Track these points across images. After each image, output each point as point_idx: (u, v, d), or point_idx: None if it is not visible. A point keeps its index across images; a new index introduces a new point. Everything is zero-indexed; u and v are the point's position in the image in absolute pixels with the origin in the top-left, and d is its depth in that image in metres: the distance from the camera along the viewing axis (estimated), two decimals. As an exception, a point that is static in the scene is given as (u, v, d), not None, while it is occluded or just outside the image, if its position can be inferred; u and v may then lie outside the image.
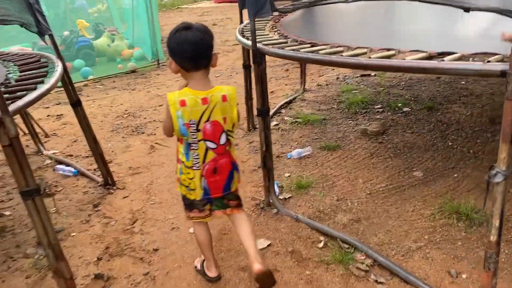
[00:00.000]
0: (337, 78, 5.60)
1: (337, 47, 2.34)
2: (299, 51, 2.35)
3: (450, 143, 3.44)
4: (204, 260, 2.25)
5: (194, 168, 1.89)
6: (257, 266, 1.85)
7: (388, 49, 2.08)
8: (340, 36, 3.14)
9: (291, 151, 3.59)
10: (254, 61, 2.60)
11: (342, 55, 2.11)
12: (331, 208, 2.77)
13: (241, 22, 3.92)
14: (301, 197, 2.93)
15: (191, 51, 1.76)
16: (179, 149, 1.91)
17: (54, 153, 4.21)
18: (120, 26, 11.20)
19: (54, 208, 3.15)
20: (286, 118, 4.43)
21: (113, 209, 3.08)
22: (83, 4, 14.42)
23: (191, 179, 1.91)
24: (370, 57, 1.97)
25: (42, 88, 2.15)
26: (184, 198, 2.03)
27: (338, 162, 3.37)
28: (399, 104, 4.32)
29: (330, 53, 2.19)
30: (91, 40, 8.41)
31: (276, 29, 3.40)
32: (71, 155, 4.13)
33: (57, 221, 2.98)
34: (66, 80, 3.02)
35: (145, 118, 4.92)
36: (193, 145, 1.84)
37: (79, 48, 8.08)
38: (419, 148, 3.43)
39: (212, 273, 2.20)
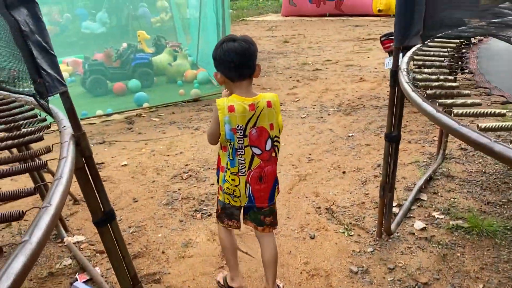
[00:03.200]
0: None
1: None
2: None
3: None
4: (227, 275, 2.16)
5: (240, 174, 1.84)
6: None
7: None
8: None
9: (482, 312, 1.90)
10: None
11: None
12: None
13: (396, 57, 2.22)
14: None
15: (237, 60, 1.75)
16: (223, 157, 1.88)
17: (78, 243, 2.75)
18: (183, 40, 9.88)
19: None
20: (436, 215, 2.72)
21: None
22: (145, 12, 13.36)
23: (236, 186, 1.87)
24: None
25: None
26: (224, 207, 1.96)
27: None
28: None
29: None
30: (150, 57, 7.07)
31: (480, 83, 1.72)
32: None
33: None
34: (90, 183, 1.51)
35: (213, 184, 3.37)
36: (239, 150, 1.81)
37: (136, 66, 6.75)
38: None
39: (236, 284, 2.10)
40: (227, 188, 1.89)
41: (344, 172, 3.42)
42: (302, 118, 4.80)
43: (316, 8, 15.39)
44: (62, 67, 8.41)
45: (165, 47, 7.89)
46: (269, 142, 1.84)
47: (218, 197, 2.01)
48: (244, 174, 1.85)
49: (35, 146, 2.62)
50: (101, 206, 1.59)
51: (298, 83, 6.42)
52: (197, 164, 3.75)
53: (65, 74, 7.97)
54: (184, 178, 3.51)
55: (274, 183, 1.92)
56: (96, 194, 1.57)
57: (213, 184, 3.36)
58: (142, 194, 3.31)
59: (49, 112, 1.42)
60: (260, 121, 1.79)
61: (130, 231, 2.82)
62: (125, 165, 3.86)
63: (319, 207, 2.93)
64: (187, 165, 3.76)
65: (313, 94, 5.74)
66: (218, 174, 1.97)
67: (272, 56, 8.79)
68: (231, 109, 1.75)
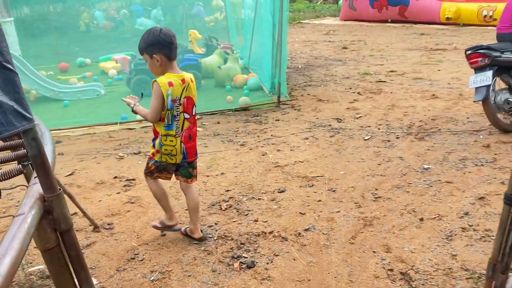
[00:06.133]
0: None
1: None
2: None
3: None
4: (161, 218, 2.59)
5: (177, 136, 2.34)
6: (196, 235, 2.54)
7: None
8: None
9: None
10: None
11: None
12: None
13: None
14: None
15: (175, 42, 2.28)
16: (159, 127, 2.33)
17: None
18: (236, 41, 9.38)
19: None
20: (559, 302, 1.97)
21: None
22: (200, 11, 13.03)
23: (174, 146, 2.35)
24: None
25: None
26: (160, 165, 2.42)
27: None
28: None
29: None
30: (199, 58, 6.59)
31: None
32: (115, 303, 2.11)
33: None
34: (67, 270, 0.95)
35: (257, 220, 2.78)
36: (177, 116, 2.31)
37: (184, 68, 6.27)
38: None
39: (174, 221, 2.56)
40: (165, 149, 2.35)
41: (421, 220, 2.71)
42: (365, 140, 4.10)
43: (378, 13, 14.44)
44: (110, 64, 8.15)
45: (216, 48, 7.41)
46: (194, 108, 2.39)
47: (152, 158, 2.41)
48: (179, 135, 2.34)
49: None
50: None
51: (360, 96, 5.70)
52: (240, 191, 3.17)
53: (112, 72, 7.68)
54: (223, 209, 2.93)
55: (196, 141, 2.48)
56: (77, 286, 1.00)
57: (257, 221, 2.76)
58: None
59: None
60: (188, 92, 2.33)
61: (151, 278, 2.27)
62: (158, 184, 3.34)
63: (391, 269, 2.25)
64: (228, 190, 3.19)
65: (377, 111, 5.00)
66: (154, 142, 2.39)
67: (329, 63, 8.09)
68: (170, 84, 2.25)
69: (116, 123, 4.93)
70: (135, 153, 4.00)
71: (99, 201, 3.12)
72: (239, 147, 4.06)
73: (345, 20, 15.53)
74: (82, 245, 2.58)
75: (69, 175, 3.57)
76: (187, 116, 2.35)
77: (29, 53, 8.36)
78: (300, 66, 7.99)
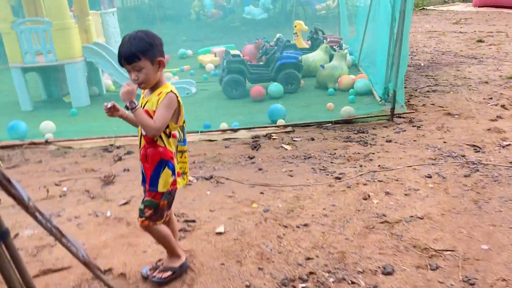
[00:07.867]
0: None
1: None
2: None
3: None
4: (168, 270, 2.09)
5: (188, 151, 2.08)
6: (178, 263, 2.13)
7: None
8: None
9: None
10: None
11: None
12: None
13: None
14: None
15: None
16: (172, 145, 1.94)
17: None
18: (347, 32, 8.18)
19: None
20: None
21: None
22: (311, -2, 12.00)
23: (184, 162, 2.05)
24: None
25: None
26: (171, 196, 2.00)
27: None
28: None
29: None
30: (300, 56, 5.62)
31: None
32: None
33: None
34: None
35: (345, 325, 1.80)
36: (184, 129, 2.02)
37: (281, 67, 5.39)
38: None
39: (184, 256, 2.15)
40: (180, 168, 2.02)
41: None
42: (519, 187, 2.80)
43: (524, -3, 11.93)
44: (208, 57, 7.58)
45: (321, 43, 6.37)
46: None
47: (167, 191, 1.95)
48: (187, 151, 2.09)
49: None
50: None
51: (505, 110, 4.25)
52: (326, 263, 2.19)
53: (210, 66, 7.10)
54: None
55: None
56: None
57: (344, 330, 1.78)
58: (223, 313, 1.91)
59: None
60: None
61: None
62: (220, 233, 2.52)
63: None
64: (309, 258, 2.24)
65: (532, 137, 3.58)
66: (170, 167, 1.93)
67: (460, 61, 6.52)
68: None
69: (197, 132, 4.24)
70: (206, 178, 3.25)
71: (144, 252, 2.40)
72: (334, 181, 3.06)
73: (479, 7, 13.17)
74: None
75: (124, 204, 2.93)
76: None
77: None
78: (422, 64, 6.57)
